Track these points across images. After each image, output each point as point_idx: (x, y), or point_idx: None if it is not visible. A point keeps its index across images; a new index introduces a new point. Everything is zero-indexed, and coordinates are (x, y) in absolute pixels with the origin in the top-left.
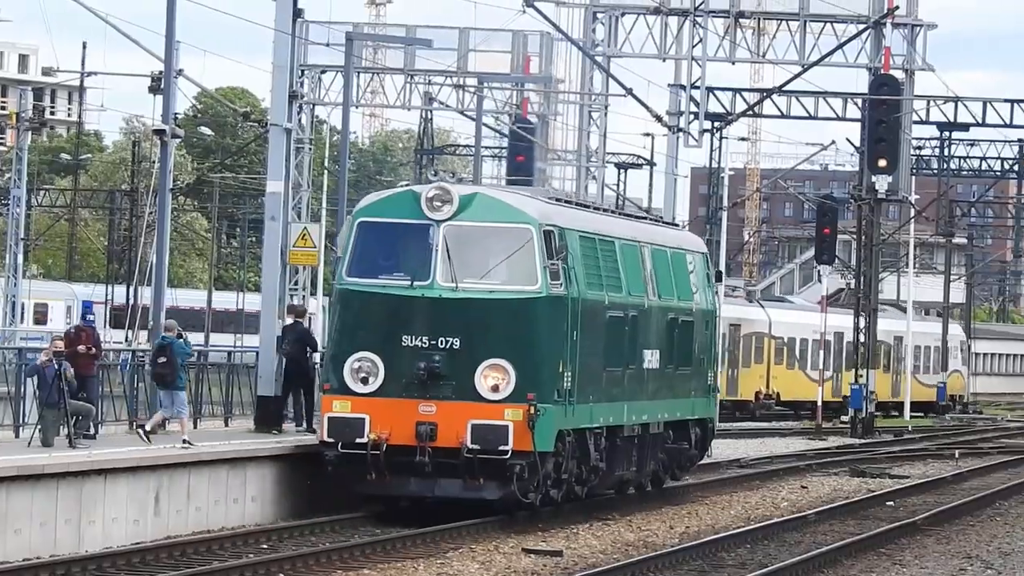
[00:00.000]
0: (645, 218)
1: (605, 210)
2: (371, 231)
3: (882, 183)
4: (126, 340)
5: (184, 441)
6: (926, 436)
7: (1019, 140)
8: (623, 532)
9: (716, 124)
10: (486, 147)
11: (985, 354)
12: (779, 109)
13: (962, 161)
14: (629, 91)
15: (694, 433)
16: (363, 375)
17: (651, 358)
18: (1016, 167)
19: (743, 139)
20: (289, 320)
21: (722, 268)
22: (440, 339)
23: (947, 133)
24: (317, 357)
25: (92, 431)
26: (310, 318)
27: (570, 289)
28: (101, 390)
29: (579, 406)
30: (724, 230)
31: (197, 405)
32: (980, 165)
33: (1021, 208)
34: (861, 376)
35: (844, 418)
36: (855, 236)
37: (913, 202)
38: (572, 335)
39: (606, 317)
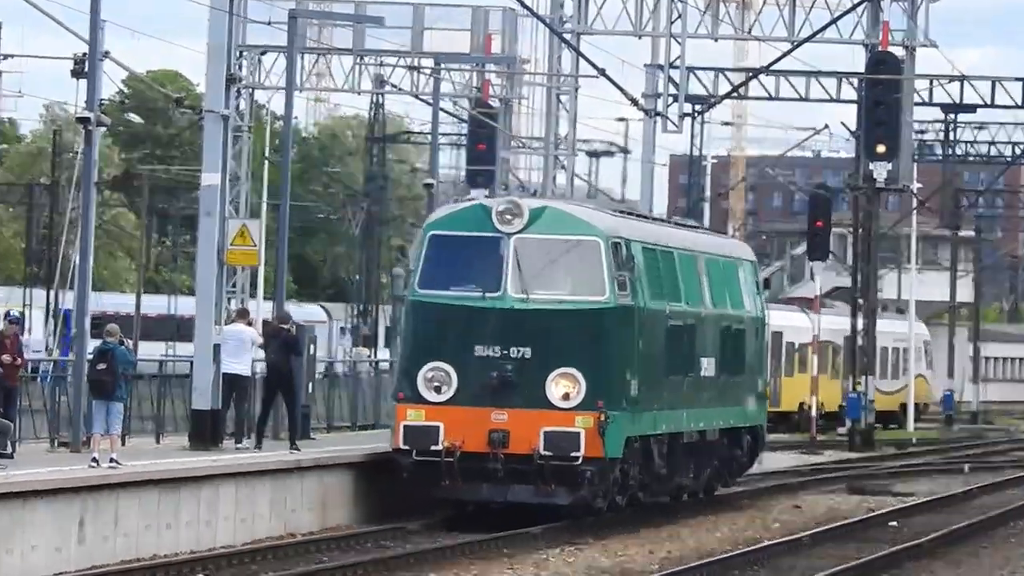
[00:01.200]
0: (697, 228)
1: (662, 221)
2: (442, 244)
3: (881, 171)
4: (46, 349)
5: (111, 460)
6: (931, 450)
7: None
8: (598, 557)
9: (697, 107)
10: (444, 134)
11: (995, 359)
12: (766, 90)
13: (969, 146)
14: (601, 72)
15: (745, 440)
16: (436, 384)
17: (707, 366)
18: None
19: (727, 123)
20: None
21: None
22: (512, 349)
23: (952, 115)
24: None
25: (9, 450)
26: (251, 322)
27: (636, 299)
28: (20, 404)
29: (644, 413)
30: (707, 223)
31: (126, 420)
32: (989, 150)
33: None
34: (859, 384)
35: (841, 430)
36: (851, 230)
37: (915, 192)
38: (638, 344)
39: (667, 326)
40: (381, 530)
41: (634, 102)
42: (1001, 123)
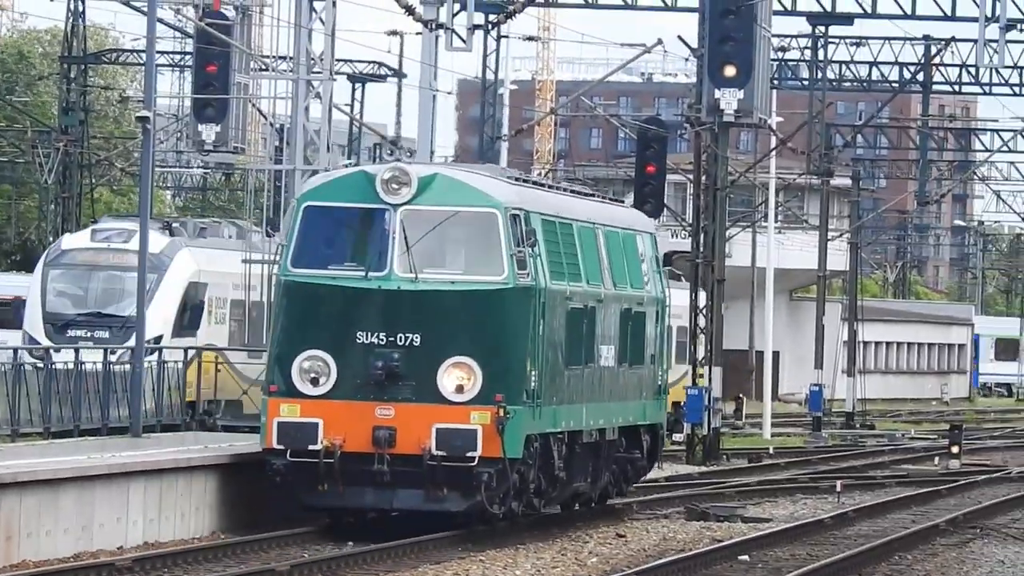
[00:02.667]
0: (592, 195)
1: (558, 188)
2: (319, 216)
3: (730, 100)
4: None
5: None
6: (794, 462)
7: (924, 38)
8: None
9: (492, 18)
10: (162, 53)
11: (877, 344)
12: None
13: (844, 68)
14: None
15: (644, 441)
16: (313, 375)
17: (607, 355)
18: (920, 76)
19: (530, 39)
20: None
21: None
22: (398, 335)
23: (822, 28)
24: None
25: None
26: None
27: (536, 279)
28: None
29: (544, 408)
30: (503, 165)
31: None
32: (870, 73)
33: (927, 135)
34: (701, 377)
35: (678, 437)
36: (692, 177)
37: (774, 128)
38: (538, 330)
39: (567, 309)
40: (247, 541)
41: (409, 10)
42: (885, 38)
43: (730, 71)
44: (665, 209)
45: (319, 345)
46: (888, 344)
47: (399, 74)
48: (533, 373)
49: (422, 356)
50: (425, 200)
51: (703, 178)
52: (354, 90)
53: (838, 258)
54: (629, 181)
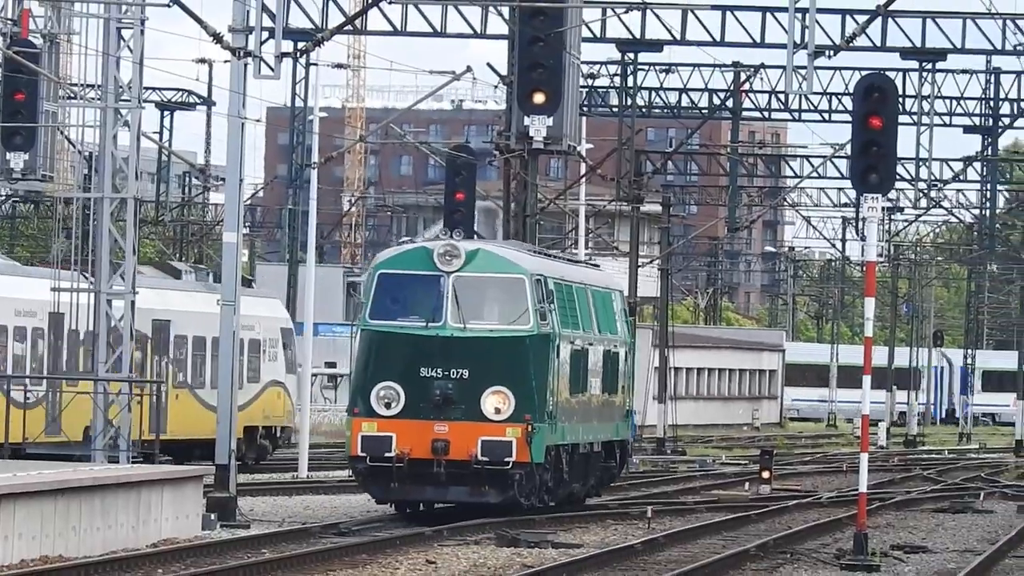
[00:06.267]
0: (580, 263)
1: (557, 257)
2: (390, 281)
3: (539, 127)
4: None
5: None
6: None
7: (734, 64)
8: None
9: (300, 45)
10: None
11: (688, 369)
12: (391, 23)
13: (654, 95)
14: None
15: (616, 454)
16: (386, 401)
17: (595, 385)
18: (730, 102)
19: (340, 66)
20: None
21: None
22: (451, 370)
23: (631, 55)
24: None
25: None
26: None
27: (552, 328)
28: None
29: (558, 426)
30: (314, 196)
31: None
32: (679, 100)
33: (737, 161)
34: None
35: None
36: (501, 203)
37: (583, 154)
38: (554, 366)
39: (571, 350)
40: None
41: (217, 38)
42: (695, 64)
43: (539, 98)
44: (476, 235)
45: (391, 378)
46: (699, 370)
47: (208, 102)
48: (551, 399)
49: (469, 386)
50: (471, 268)
51: (512, 205)
52: (163, 117)
53: (649, 284)
54: (439, 208)
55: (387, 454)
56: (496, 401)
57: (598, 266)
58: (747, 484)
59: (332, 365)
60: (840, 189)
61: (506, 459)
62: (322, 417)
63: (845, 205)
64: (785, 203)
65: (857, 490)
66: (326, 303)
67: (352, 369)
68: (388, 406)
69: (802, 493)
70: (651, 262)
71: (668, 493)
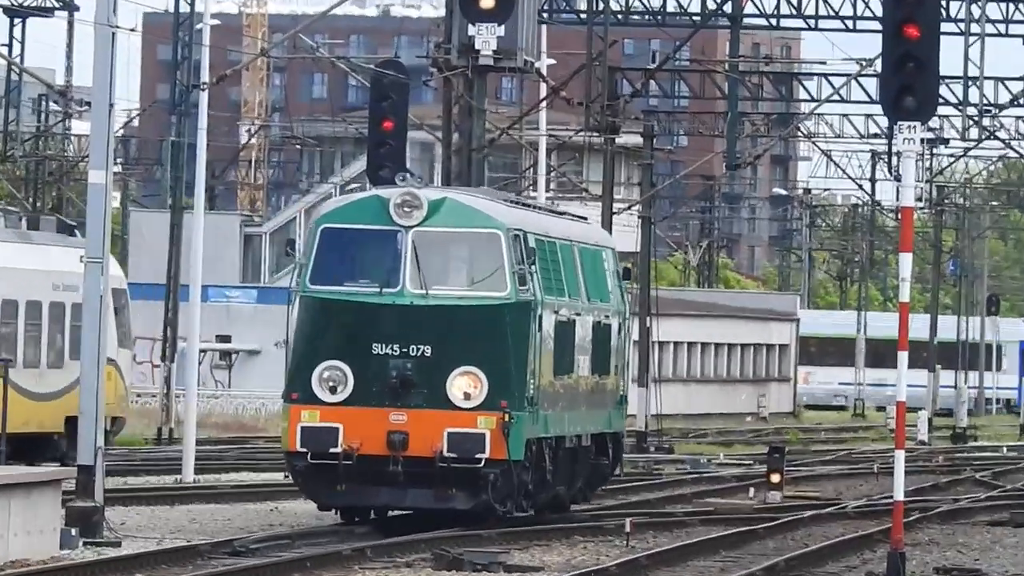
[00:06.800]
0: (563, 214)
1: (538, 208)
2: (335, 237)
3: (488, 38)
4: None
5: None
6: None
7: None
8: None
9: None
10: None
11: (676, 344)
12: None
13: None
14: None
15: (609, 448)
16: (331, 384)
17: (583, 365)
18: (728, 7)
19: None
20: None
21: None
22: (411, 346)
23: None
24: None
25: None
26: None
27: (534, 294)
28: None
29: (540, 415)
30: (203, 125)
31: None
32: (664, 4)
33: (737, 81)
34: None
35: None
36: (440, 135)
37: (545, 73)
38: (535, 341)
39: (555, 322)
40: None
41: None
42: None
43: (487, 2)
44: (407, 176)
45: (337, 356)
46: (690, 345)
47: (69, 5)
48: (531, 382)
49: (432, 366)
50: (435, 222)
51: (455, 136)
52: (12, 26)
53: (627, 237)
54: (361, 140)
55: (332, 449)
56: (465, 384)
57: (585, 218)
58: (751, 490)
59: (226, 339)
60: (868, 116)
61: (477, 455)
62: (212, 405)
63: (874, 136)
64: (799, 134)
65: (892, 497)
66: (218, 260)
67: (289, 346)
68: (333, 391)
69: (821, 501)
70: (629, 208)
71: (651, 501)
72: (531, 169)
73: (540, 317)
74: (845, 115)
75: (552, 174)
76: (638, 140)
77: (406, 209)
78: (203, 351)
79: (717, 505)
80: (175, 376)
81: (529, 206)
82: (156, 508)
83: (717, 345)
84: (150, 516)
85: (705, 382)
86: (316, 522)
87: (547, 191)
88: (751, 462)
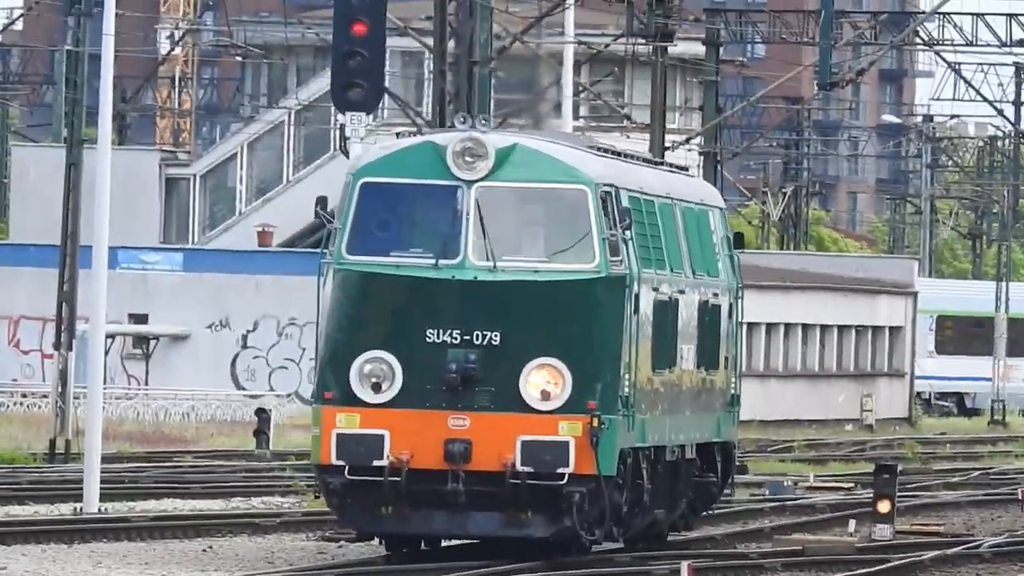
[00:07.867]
0: (660, 163)
1: (629, 156)
2: (379, 195)
3: None
4: None
5: None
6: None
7: None
8: None
9: None
10: None
11: (753, 326)
12: None
13: None
14: None
15: (718, 461)
16: (375, 380)
17: (687, 356)
18: None
19: None
20: None
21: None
22: (475, 333)
23: None
24: None
25: None
26: None
27: (629, 267)
28: None
29: (636, 419)
30: (110, 30)
31: None
32: None
33: None
34: None
35: None
36: (431, 43)
37: None
38: (631, 327)
39: (653, 302)
40: None
41: None
42: None
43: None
44: (397, 100)
45: (381, 345)
46: (770, 328)
47: None
48: (626, 378)
49: (502, 357)
50: (504, 175)
51: (450, 44)
52: None
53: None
54: (323, 49)
55: (376, 463)
56: (543, 380)
57: (687, 168)
58: (852, 523)
59: (142, 320)
60: (1010, 16)
61: (559, 470)
62: (124, 410)
63: (1019, 43)
64: (917, 40)
65: None
66: (131, 214)
67: (320, 332)
68: (377, 389)
69: (947, 538)
70: (687, 141)
71: (717, 539)
72: (553, 88)
73: (636, 296)
74: (979, 15)
75: (582, 95)
76: (699, 50)
77: (468, 159)
78: (111, 336)
79: (806, 543)
80: (73, 370)
81: (619, 155)
82: (48, 547)
83: (806, 327)
84: (39, 559)
85: (790, 377)
86: (267, 567)
87: (575, 118)
88: (851, 485)
